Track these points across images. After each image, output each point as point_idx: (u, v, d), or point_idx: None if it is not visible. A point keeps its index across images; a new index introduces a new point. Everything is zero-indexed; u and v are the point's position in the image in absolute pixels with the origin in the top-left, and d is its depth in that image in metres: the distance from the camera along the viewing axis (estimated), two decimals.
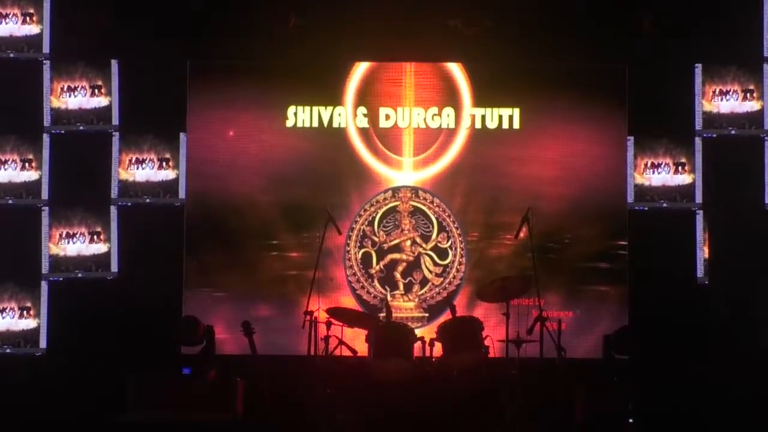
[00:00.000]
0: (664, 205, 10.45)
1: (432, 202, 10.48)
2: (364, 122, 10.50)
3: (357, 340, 9.37)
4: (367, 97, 10.50)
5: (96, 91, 10.49)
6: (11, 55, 10.55)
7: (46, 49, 10.53)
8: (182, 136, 10.47)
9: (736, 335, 8.71)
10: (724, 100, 10.46)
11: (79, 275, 10.42)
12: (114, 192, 10.46)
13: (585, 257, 10.35)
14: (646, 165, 10.46)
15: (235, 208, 10.40)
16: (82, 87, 10.49)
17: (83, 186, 10.44)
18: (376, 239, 10.47)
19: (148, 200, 10.47)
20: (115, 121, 10.49)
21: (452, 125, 10.49)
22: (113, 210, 10.45)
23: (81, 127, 10.50)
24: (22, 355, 10.32)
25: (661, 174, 10.45)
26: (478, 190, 10.42)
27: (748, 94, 10.44)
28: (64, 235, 10.44)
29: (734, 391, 8.58)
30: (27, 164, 10.48)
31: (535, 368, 9.00)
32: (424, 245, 10.47)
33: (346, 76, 10.50)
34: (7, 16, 10.57)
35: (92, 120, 10.50)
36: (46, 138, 10.49)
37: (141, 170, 10.46)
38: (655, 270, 10.18)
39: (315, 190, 10.38)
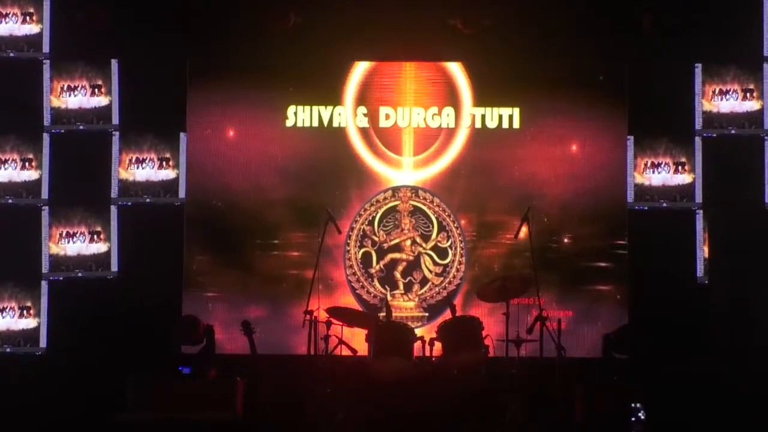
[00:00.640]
0: (664, 204, 10.45)
1: (432, 202, 10.48)
2: (364, 122, 10.50)
3: (355, 339, 9.38)
4: (367, 96, 10.50)
5: (96, 90, 10.49)
6: (11, 54, 10.55)
7: (46, 48, 10.54)
8: (182, 136, 10.47)
9: (735, 334, 8.71)
10: (724, 100, 10.46)
11: (79, 275, 10.42)
12: (114, 191, 10.46)
13: (585, 257, 10.36)
14: (646, 164, 10.46)
15: (235, 207, 10.41)
16: (82, 86, 10.49)
17: (83, 185, 10.44)
18: (376, 239, 10.47)
19: (148, 200, 10.47)
20: (115, 120, 10.49)
21: (452, 125, 10.49)
22: (113, 209, 10.45)
23: (81, 127, 10.51)
24: (22, 354, 10.32)
25: (661, 173, 10.45)
26: (478, 190, 10.42)
27: (748, 94, 10.44)
28: (64, 235, 10.44)
29: (734, 390, 8.59)
30: (27, 164, 10.48)
31: (535, 368, 9.00)
32: (424, 245, 10.47)
33: (346, 76, 10.50)
34: (7, 15, 10.57)
35: (92, 119, 10.51)
36: (46, 137, 10.49)
37: (141, 170, 10.47)
38: (654, 269, 10.19)
39: (315, 190, 10.38)
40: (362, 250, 10.47)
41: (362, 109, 10.50)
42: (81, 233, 10.44)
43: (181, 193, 10.46)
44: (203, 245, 10.40)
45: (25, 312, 10.37)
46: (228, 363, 9.29)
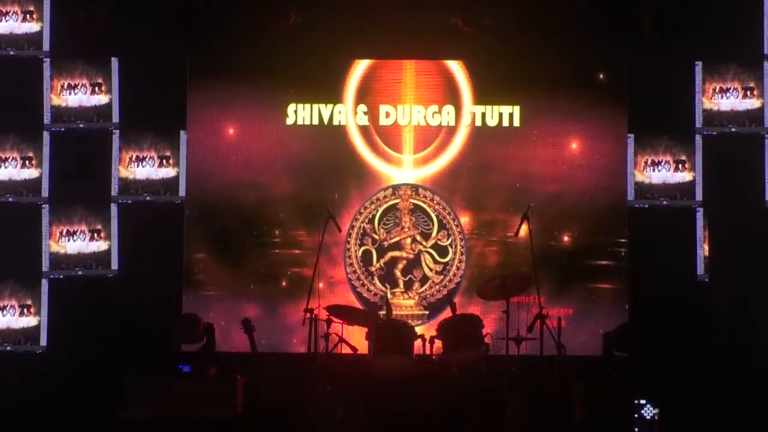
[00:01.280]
0: (664, 202, 10.45)
1: (432, 200, 10.48)
2: (364, 120, 10.50)
3: (354, 337, 9.38)
4: (367, 94, 10.50)
5: (96, 88, 10.49)
6: (11, 52, 10.55)
7: (46, 46, 10.54)
8: (182, 134, 10.47)
9: (735, 332, 8.71)
10: (724, 98, 10.46)
11: (80, 273, 10.42)
12: (114, 190, 10.46)
13: (585, 255, 10.35)
14: (646, 162, 10.46)
15: (235, 205, 10.41)
16: (82, 85, 10.49)
17: (83, 184, 10.44)
18: (377, 237, 10.47)
19: (148, 198, 10.47)
20: (116, 118, 10.50)
21: (452, 123, 10.49)
22: (113, 208, 10.45)
23: (81, 125, 10.51)
24: (22, 352, 10.32)
25: (661, 171, 10.45)
26: (478, 188, 10.42)
27: (749, 92, 10.44)
28: (64, 233, 10.44)
29: (734, 388, 8.59)
30: (27, 162, 10.48)
31: (535, 366, 9.00)
32: (424, 243, 10.47)
33: (347, 74, 10.50)
34: (7, 13, 10.57)
35: (92, 118, 10.51)
36: (46, 136, 10.49)
37: (141, 168, 10.47)
38: (655, 267, 10.18)
39: (315, 188, 10.38)
40: (362, 249, 10.47)
41: (362, 107, 10.51)
42: (81, 231, 10.44)
43: (182, 192, 10.46)
44: (203, 243, 10.40)
45: (25, 310, 10.37)
46: (228, 361, 9.29)
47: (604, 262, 10.34)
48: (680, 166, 10.45)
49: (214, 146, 10.45)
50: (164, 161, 10.47)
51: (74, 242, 10.43)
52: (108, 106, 10.49)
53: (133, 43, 10.38)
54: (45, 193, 10.46)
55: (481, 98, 10.48)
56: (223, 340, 9.88)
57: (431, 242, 10.47)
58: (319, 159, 10.46)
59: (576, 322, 10.21)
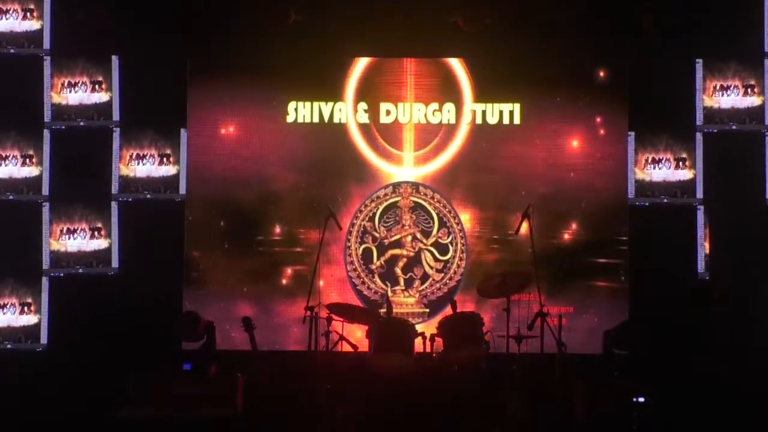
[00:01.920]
0: (665, 200, 10.45)
1: (433, 198, 10.48)
2: (364, 118, 10.50)
3: (355, 336, 9.38)
4: (367, 92, 10.50)
5: (96, 86, 10.49)
6: (12, 50, 10.55)
7: (46, 45, 10.54)
8: (183, 132, 10.47)
9: (736, 330, 8.71)
10: (724, 96, 10.45)
11: (80, 271, 10.43)
12: (114, 188, 10.47)
13: (586, 252, 10.35)
14: (646, 160, 10.46)
15: (236, 203, 10.41)
16: (82, 83, 10.49)
17: (84, 182, 10.44)
18: (377, 235, 10.47)
19: (148, 196, 10.48)
20: (116, 116, 10.50)
21: (453, 121, 10.49)
22: (114, 206, 10.45)
23: (81, 123, 10.51)
24: (23, 350, 10.32)
25: (661, 169, 10.45)
26: (479, 186, 10.42)
27: (749, 90, 10.44)
28: (64, 231, 10.45)
29: (734, 385, 8.59)
30: (28, 160, 10.48)
31: (536, 364, 9.00)
32: (424, 241, 10.47)
33: (347, 72, 10.50)
34: (7, 11, 10.57)
35: (93, 116, 10.51)
36: (46, 134, 10.49)
37: (142, 166, 10.47)
38: (655, 265, 10.18)
39: (315, 186, 10.38)
40: (363, 247, 10.47)
41: (363, 105, 10.50)
42: (81, 229, 10.44)
43: (182, 190, 10.46)
44: (204, 241, 10.40)
45: (25, 308, 10.37)
46: (228, 359, 9.29)
47: (604, 260, 10.34)
48: (681, 163, 10.44)
49: (214, 144, 10.45)
50: (164, 159, 10.47)
51: (74, 240, 10.43)
52: (108, 104, 10.49)
53: (133, 41, 10.38)
54: (45, 191, 10.46)
55: (481, 96, 10.48)
56: (224, 338, 9.89)
57: (432, 240, 10.47)
58: (320, 157, 10.46)
59: (576, 320, 10.21)
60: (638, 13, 10.23)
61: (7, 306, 10.37)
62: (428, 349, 9.21)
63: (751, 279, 8.78)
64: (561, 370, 8.88)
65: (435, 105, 10.49)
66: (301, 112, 10.49)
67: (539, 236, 9.75)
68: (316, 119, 10.49)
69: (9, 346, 10.35)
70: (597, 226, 10.37)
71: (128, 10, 10.31)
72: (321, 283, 9.68)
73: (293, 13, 10.33)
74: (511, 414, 8.67)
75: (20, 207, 10.45)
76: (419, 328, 9.50)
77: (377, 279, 10.43)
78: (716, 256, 9.34)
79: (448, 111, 10.49)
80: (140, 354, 9.50)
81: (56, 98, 10.50)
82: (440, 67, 10.50)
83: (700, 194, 10.42)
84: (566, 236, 10.38)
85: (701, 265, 10.30)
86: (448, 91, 10.49)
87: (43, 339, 10.36)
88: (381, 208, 10.49)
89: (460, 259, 10.44)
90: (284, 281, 10.38)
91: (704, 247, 10.26)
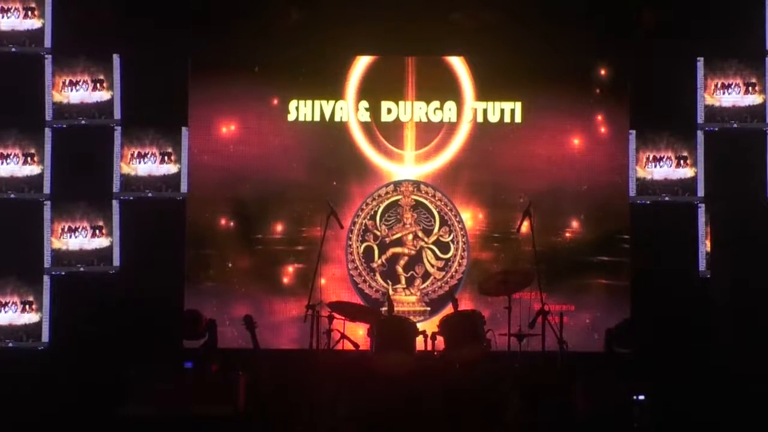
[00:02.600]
0: (666, 198, 10.45)
1: (434, 196, 10.48)
2: (365, 116, 10.50)
3: (357, 334, 9.38)
4: (368, 91, 10.50)
5: (98, 85, 10.50)
6: (13, 49, 10.56)
7: (47, 43, 10.54)
8: (184, 131, 10.47)
9: (737, 329, 8.70)
10: (726, 94, 10.45)
11: (81, 269, 10.43)
12: (116, 186, 10.47)
13: (587, 251, 10.35)
14: (648, 158, 10.46)
15: (237, 202, 10.41)
16: (83, 81, 10.50)
17: (85, 180, 10.45)
18: (378, 233, 10.48)
19: (150, 194, 10.48)
20: (117, 115, 10.50)
21: (454, 119, 10.49)
22: (115, 204, 10.46)
23: (83, 122, 10.51)
24: (24, 349, 10.33)
25: (663, 167, 10.45)
26: (480, 184, 10.43)
27: (750, 88, 10.44)
28: (66, 230, 10.45)
29: (735, 384, 8.58)
30: (29, 158, 10.49)
31: (537, 362, 9.00)
32: (425, 239, 10.47)
33: (348, 70, 10.50)
34: (8, 10, 10.57)
35: (94, 114, 10.51)
36: (48, 132, 10.50)
37: (143, 164, 10.47)
38: (657, 263, 10.18)
39: (317, 184, 10.38)
40: (364, 245, 10.47)
41: (364, 104, 10.50)
42: (83, 228, 10.44)
43: (183, 188, 10.46)
44: (205, 240, 10.40)
45: (27, 307, 10.38)
46: (230, 357, 9.29)
47: (605, 258, 10.34)
48: (682, 162, 10.44)
49: (215, 143, 10.46)
50: (166, 158, 10.47)
51: (76, 239, 10.44)
52: (109, 103, 10.49)
53: (134, 39, 10.38)
54: (47, 189, 10.47)
55: (483, 94, 10.48)
56: (225, 336, 9.88)
57: (433, 238, 10.47)
58: (321, 155, 10.46)
59: (578, 318, 10.21)
60: (640, 10, 10.22)
61: (9, 304, 10.37)
62: (429, 348, 9.20)
63: (752, 276, 8.76)
64: (562, 368, 8.88)
65: (436, 103, 10.49)
66: (302, 110, 10.49)
67: (540, 234, 9.74)
68: (317, 118, 10.50)
69: (11, 344, 10.36)
70: (598, 225, 10.37)
71: (129, 7, 10.31)
72: (322, 281, 9.67)
73: (294, 11, 10.33)
74: (512, 412, 8.66)
75: (21, 205, 10.46)
76: (420, 326, 9.49)
77: (378, 277, 10.44)
78: (717, 255, 9.33)
79: (450, 109, 10.50)
80: (141, 352, 9.50)
81: (57, 97, 10.51)
82: (441, 66, 10.50)
83: (701, 192, 10.42)
84: (567, 234, 10.38)
85: (702, 264, 10.30)
86: (450, 89, 10.49)
87: (45, 337, 10.36)
88: (382, 206, 10.49)
89: (462, 258, 10.44)
90: (285, 280, 10.38)
91: (705, 245, 10.27)
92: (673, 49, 10.35)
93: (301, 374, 8.98)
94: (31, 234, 10.42)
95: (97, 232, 10.44)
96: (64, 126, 10.51)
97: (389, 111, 10.51)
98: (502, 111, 10.48)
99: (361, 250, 10.47)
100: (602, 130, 10.43)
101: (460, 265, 10.43)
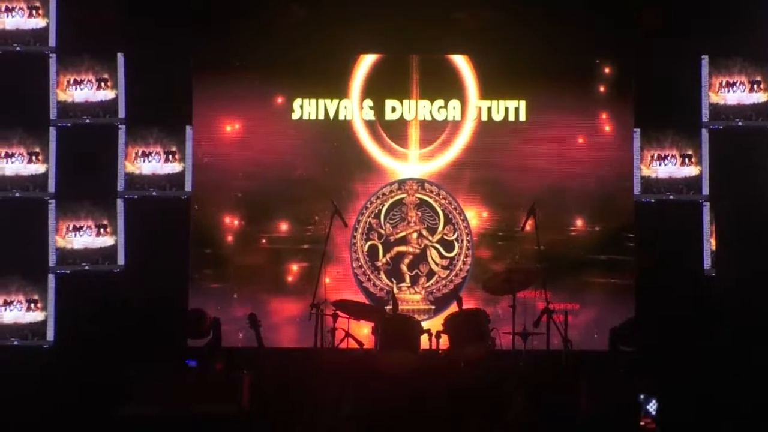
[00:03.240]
0: (671, 197, 10.44)
1: (438, 195, 10.48)
2: (370, 115, 10.50)
3: (361, 332, 9.39)
4: (373, 89, 10.50)
5: (102, 84, 10.50)
6: (17, 48, 10.57)
7: (52, 42, 10.55)
8: (188, 129, 10.47)
9: (742, 327, 8.68)
10: (730, 92, 10.44)
11: (86, 268, 10.44)
12: (120, 185, 10.48)
13: (591, 249, 10.35)
14: (652, 157, 10.45)
15: (241, 200, 10.42)
16: (88, 80, 10.51)
17: (90, 179, 10.46)
18: (383, 232, 10.47)
19: (154, 193, 10.49)
20: (122, 114, 10.51)
21: (458, 117, 10.49)
22: (120, 203, 10.47)
23: (87, 120, 10.52)
24: (29, 347, 10.34)
25: (667, 166, 10.44)
26: (484, 183, 10.42)
27: (755, 86, 10.43)
28: (71, 228, 10.46)
29: (739, 383, 8.56)
30: (34, 157, 10.50)
31: (542, 360, 9.00)
32: (430, 237, 10.47)
33: (352, 69, 10.50)
34: (13, 9, 10.59)
35: (98, 113, 10.52)
36: (52, 131, 10.51)
37: (147, 163, 10.48)
38: (661, 262, 10.17)
39: (321, 183, 10.39)
40: (369, 243, 10.47)
41: (368, 102, 10.50)
42: (88, 227, 10.45)
43: (187, 187, 10.47)
44: (209, 238, 10.41)
45: (32, 305, 10.39)
46: (234, 355, 9.29)
47: (610, 257, 10.34)
48: (687, 160, 10.43)
49: (219, 141, 10.47)
50: (170, 156, 10.48)
51: (81, 237, 10.45)
52: (114, 102, 10.50)
53: (138, 38, 10.39)
54: (51, 188, 10.48)
55: (486, 93, 10.47)
56: (230, 334, 9.88)
57: (437, 237, 10.47)
58: (325, 154, 10.46)
59: (582, 317, 10.21)
60: (645, 8, 10.21)
61: (14, 303, 10.39)
62: (434, 346, 9.21)
63: (757, 275, 8.75)
64: (567, 367, 8.87)
65: (440, 102, 10.49)
66: (306, 109, 10.49)
67: (545, 233, 9.73)
68: (321, 116, 10.50)
69: (16, 342, 10.37)
70: (603, 223, 10.36)
71: (133, 6, 10.32)
72: (327, 280, 9.67)
73: (298, 9, 10.33)
74: (516, 410, 8.65)
75: (26, 204, 10.47)
76: (425, 324, 9.47)
77: (383, 276, 10.44)
78: (722, 252, 9.31)
79: (454, 108, 10.49)
80: (146, 351, 9.50)
81: (62, 96, 10.52)
82: (445, 64, 10.50)
83: (706, 190, 10.41)
84: (572, 233, 10.37)
85: (707, 262, 10.29)
86: (454, 87, 10.49)
87: (50, 336, 10.38)
88: (386, 205, 10.49)
89: (466, 256, 10.44)
90: (290, 278, 10.39)
91: (710, 243, 10.25)
92: (677, 48, 10.34)
93: (305, 373, 8.98)
94: (35, 233, 10.44)
95: (102, 230, 10.45)
96: (69, 125, 10.52)
97: (393, 109, 10.51)
98: (507, 109, 10.48)
99: (366, 248, 10.47)
100: (607, 128, 10.43)
101: (464, 263, 10.43)
